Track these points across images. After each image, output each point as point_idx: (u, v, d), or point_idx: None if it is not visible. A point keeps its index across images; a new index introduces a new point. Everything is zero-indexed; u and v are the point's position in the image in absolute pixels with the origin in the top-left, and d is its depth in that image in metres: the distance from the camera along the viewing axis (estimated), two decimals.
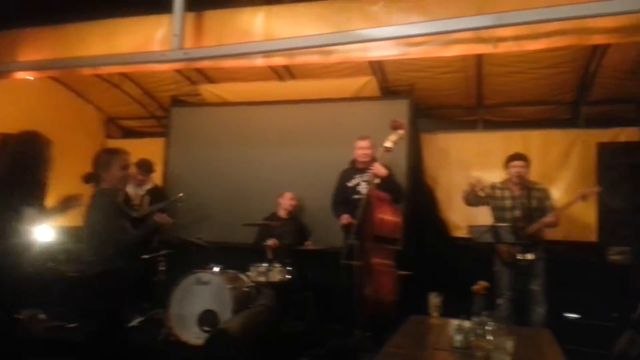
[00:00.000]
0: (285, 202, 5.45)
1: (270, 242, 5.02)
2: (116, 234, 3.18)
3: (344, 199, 4.87)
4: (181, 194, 5.49)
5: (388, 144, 4.53)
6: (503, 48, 3.37)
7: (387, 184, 4.60)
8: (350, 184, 4.83)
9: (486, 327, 2.50)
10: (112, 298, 3.22)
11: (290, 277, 4.78)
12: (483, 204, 4.80)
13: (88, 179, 3.48)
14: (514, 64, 5.09)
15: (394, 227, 4.36)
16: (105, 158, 3.40)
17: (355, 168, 4.86)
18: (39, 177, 3.31)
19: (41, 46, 4.40)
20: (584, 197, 4.42)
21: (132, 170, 5.39)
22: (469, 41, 3.39)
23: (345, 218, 4.65)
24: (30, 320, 5.07)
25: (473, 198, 4.70)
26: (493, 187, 4.81)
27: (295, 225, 5.42)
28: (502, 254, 4.56)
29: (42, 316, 5.18)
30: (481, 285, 3.31)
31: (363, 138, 4.86)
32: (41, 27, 4.42)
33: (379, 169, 4.53)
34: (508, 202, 4.69)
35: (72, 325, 5.00)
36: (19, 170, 3.23)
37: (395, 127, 4.56)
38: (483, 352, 2.35)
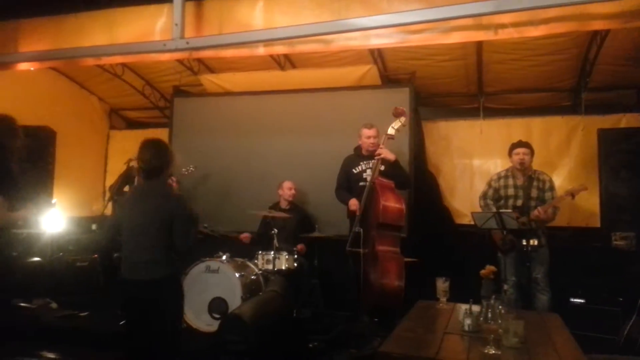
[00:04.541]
0: (285, 192, 5.48)
1: (242, 235, 5.28)
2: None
3: (348, 185, 4.87)
4: (192, 166, 5.58)
5: (391, 131, 4.55)
6: (503, 35, 3.36)
7: (392, 170, 4.61)
8: (356, 170, 4.84)
9: (495, 311, 2.53)
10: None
11: (296, 264, 4.82)
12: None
13: (152, 172, 3.06)
14: (514, 51, 5.08)
15: (398, 214, 4.36)
16: (170, 152, 3.17)
17: (361, 155, 4.86)
18: (8, 162, 3.19)
19: (42, 36, 4.40)
20: (572, 195, 4.42)
21: None
22: (469, 28, 3.39)
23: (354, 203, 4.64)
24: (42, 309, 5.16)
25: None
26: (498, 177, 4.82)
27: (297, 214, 5.45)
28: (496, 241, 4.59)
29: (54, 305, 5.26)
30: (489, 269, 3.35)
31: (369, 126, 4.81)
32: (42, 18, 4.43)
33: (387, 153, 4.53)
34: (511, 190, 4.71)
35: (83, 313, 5.08)
36: None
37: (397, 114, 4.58)
38: (493, 335, 2.39)
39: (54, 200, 6.13)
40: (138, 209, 3.03)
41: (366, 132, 4.80)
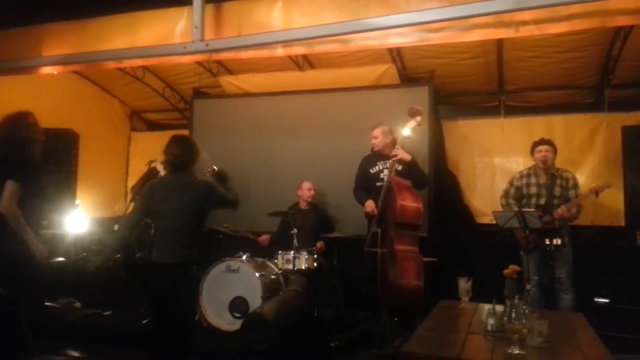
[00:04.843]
0: (304, 193, 5.49)
1: (260, 238, 5.39)
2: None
3: (366, 185, 4.88)
4: (214, 167, 5.60)
5: (407, 131, 4.53)
6: (524, 32, 3.32)
7: (409, 169, 4.60)
8: (373, 170, 4.84)
9: (519, 311, 2.51)
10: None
11: (316, 264, 4.83)
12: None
13: (180, 165, 3.34)
14: (535, 48, 5.02)
15: (415, 213, 4.35)
16: (197, 149, 3.48)
17: (377, 155, 4.86)
18: (29, 157, 3.24)
19: (64, 41, 4.48)
20: (596, 192, 4.34)
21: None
22: (489, 25, 3.35)
23: (370, 205, 4.65)
24: (66, 308, 5.25)
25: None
26: (521, 175, 4.77)
27: (317, 214, 5.46)
28: (520, 240, 4.54)
29: (77, 304, 5.35)
30: (512, 269, 3.31)
31: (373, 127, 4.86)
32: (64, 22, 4.51)
33: (403, 154, 4.53)
34: (534, 189, 4.65)
35: (106, 313, 5.16)
36: (8, 154, 3.18)
37: (413, 113, 4.56)
38: (517, 335, 2.37)
39: (77, 202, 6.24)
40: (168, 199, 3.26)
41: (371, 132, 4.84)
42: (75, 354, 4.28)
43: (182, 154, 3.34)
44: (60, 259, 5.64)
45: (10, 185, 3.01)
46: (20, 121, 3.34)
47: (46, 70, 4.62)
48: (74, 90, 6.45)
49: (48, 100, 5.55)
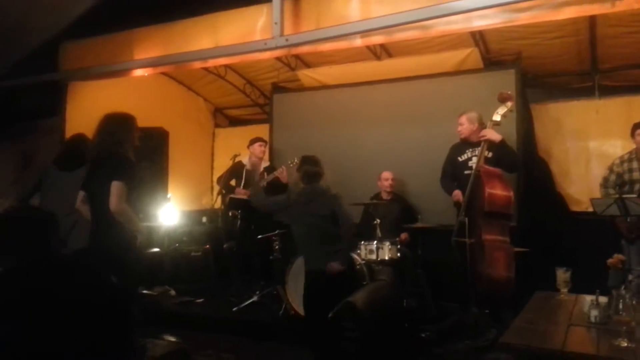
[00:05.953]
0: (383, 183, 5.44)
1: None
2: None
3: (454, 173, 4.74)
4: (296, 159, 5.68)
5: (497, 117, 4.35)
6: (621, 6, 3.08)
7: (499, 152, 4.41)
8: (461, 158, 4.69)
9: (626, 302, 2.36)
10: None
11: (399, 254, 4.79)
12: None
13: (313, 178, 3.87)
14: (633, 23, 4.63)
15: (505, 202, 4.17)
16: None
17: (466, 142, 4.70)
18: (125, 153, 3.41)
19: (153, 44, 4.72)
20: None
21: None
22: (582, 2, 3.16)
23: (457, 194, 4.54)
24: (162, 296, 5.57)
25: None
26: (621, 161, 4.46)
27: (399, 204, 5.39)
28: (622, 228, 4.24)
29: (172, 292, 5.66)
30: (617, 258, 3.14)
31: (460, 114, 4.70)
32: (153, 26, 4.75)
33: (492, 134, 4.35)
34: (636, 174, 4.33)
35: (199, 300, 5.41)
36: (106, 149, 3.38)
37: (503, 99, 4.38)
38: (625, 328, 2.24)
39: (169, 195, 6.57)
40: (306, 210, 3.71)
41: (458, 120, 4.70)
42: (172, 338, 4.50)
43: (316, 167, 3.82)
44: (156, 249, 5.98)
45: (117, 186, 3.22)
46: (125, 122, 3.55)
47: (138, 72, 4.90)
48: (162, 91, 6.75)
49: (140, 101, 5.85)
